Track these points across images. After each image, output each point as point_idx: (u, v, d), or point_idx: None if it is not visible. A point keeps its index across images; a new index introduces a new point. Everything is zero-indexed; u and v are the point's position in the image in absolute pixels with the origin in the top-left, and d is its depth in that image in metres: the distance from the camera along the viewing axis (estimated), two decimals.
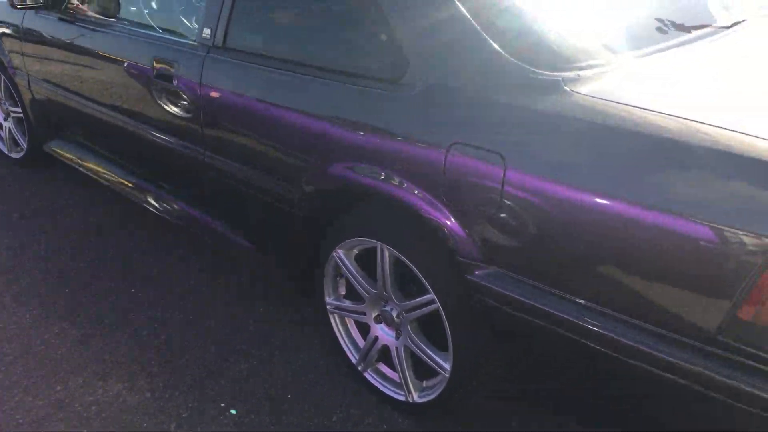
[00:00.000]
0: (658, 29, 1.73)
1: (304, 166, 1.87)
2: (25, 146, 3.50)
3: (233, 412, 1.94)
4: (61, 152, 3.16)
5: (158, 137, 2.40)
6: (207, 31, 2.13)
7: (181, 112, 2.23)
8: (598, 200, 1.29)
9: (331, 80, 1.77)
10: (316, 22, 1.92)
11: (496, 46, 1.49)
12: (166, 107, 2.30)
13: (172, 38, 2.31)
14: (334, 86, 1.76)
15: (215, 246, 2.62)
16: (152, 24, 2.46)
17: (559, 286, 1.41)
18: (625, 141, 1.30)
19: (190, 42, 2.21)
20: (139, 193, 2.70)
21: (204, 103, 2.13)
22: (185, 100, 2.19)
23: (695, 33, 1.75)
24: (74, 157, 3.07)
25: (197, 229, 2.48)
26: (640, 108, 1.32)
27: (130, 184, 2.75)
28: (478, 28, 1.52)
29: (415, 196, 1.58)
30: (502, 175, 1.42)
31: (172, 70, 2.21)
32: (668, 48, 1.63)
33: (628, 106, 1.34)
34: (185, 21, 2.35)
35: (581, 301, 1.37)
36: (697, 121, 1.26)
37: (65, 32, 2.79)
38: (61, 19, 2.83)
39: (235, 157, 2.11)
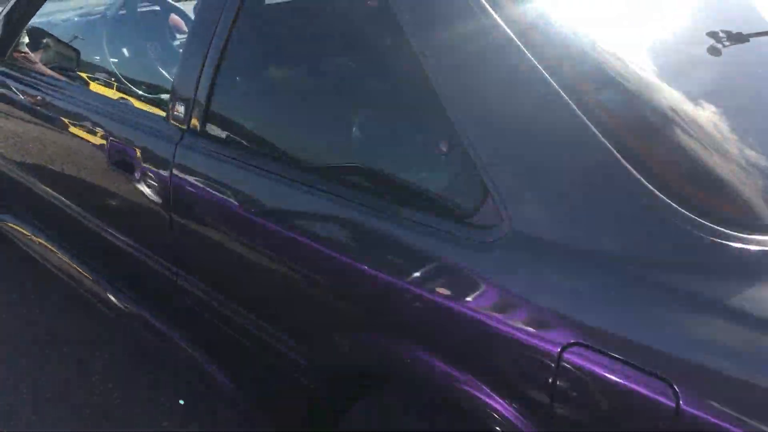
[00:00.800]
0: None
1: (317, 322, 1.25)
2: None
3: None
4: (15, 228, 2.55)
5: (122, 241, 1.79)
6: (180, 108, 1.53)
7: (146, 217, 1.62)
8: None
9: (371, 206, 1.15)
10: (347, 117, 1.30)
11: (657, 191, 0.87)
12: (127, 206, 1.70)
13: (137, 112, 1.71)
14: (374, 216, 1.14)
15: (193, 375, 1.98)
16: (116, 89, 1.86)
17: None
18: None
19: (160, 120, 1.60)
20: (100, 294, 2.08)
21: (176, 210, 1.52)
22: (151, 202, 1.58)
23: None
24: (28, 238, 2.45)
25: (170, 351, 1.86)
26: None
27: (89, 283, 2.13)
28: (625, 162, 0.89)
29: (506, 413, 0.96)
30: (672, 413, 0.80)
31: (134, 158, 1.60)
32: None
33: None
34: (155, 89, 1.75)
35: None
36: None
37: (8, 90, 2.20)
38: (3, 74, 2.23)
39: (217, 286, 1.49)
